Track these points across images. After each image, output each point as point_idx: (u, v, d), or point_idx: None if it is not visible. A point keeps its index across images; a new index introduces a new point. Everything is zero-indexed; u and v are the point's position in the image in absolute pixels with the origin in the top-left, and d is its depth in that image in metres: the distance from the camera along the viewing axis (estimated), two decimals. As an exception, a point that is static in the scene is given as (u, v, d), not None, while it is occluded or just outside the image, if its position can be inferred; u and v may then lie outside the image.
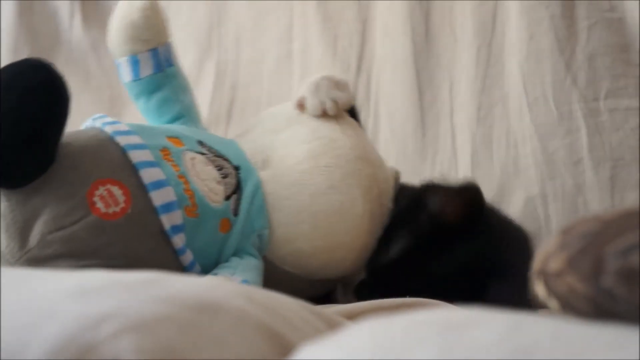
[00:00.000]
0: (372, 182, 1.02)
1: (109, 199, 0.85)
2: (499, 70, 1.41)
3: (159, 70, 1.02)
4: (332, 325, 0.62)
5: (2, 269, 0.70)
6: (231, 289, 0.59)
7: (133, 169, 0.88)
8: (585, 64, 1.33)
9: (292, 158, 1.00)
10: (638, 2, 1.32)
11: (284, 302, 0.61)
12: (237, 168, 0.99)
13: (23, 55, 1.86)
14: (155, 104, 1.04)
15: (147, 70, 1.02)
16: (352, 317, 0.76)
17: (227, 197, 0.95)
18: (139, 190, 0.87)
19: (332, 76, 1.06)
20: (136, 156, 0.89)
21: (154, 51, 1.02)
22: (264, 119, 1.10)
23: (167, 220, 0.87)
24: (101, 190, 0.85)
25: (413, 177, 1.20)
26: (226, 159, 0.99)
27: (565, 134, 1.32)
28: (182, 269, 0.89)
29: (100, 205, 0.84)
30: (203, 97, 1.67)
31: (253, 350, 0.51)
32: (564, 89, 1.33)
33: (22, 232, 0.82)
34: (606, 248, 0.47)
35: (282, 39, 1.61)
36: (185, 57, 1.78)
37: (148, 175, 0.88)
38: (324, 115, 1.04)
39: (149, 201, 0.87)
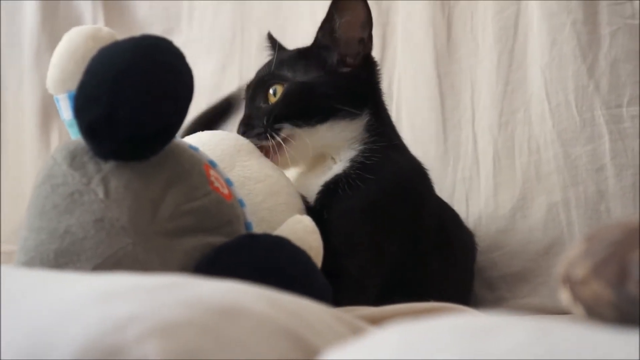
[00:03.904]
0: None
1: (218, 181, 0.84)
2: (521, 75, 1.41)
3: None
4: (355, 330, 0.62)
5: (27, 271, 0.70)
6: (254, 292, 0.59)
7: (210, 164, 0.87)
8: (608, 70, 1.32)
9: (255, 197, 1.01)
10: (662, 8, 1.31)
11: (306, 306, 0.61)
12: None
13: (46, 60, 1.87)
14: None
15: None
16: (375, 321, 0.76)
17: None
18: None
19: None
20: (206, 154, 0.88)
21: None
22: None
23: (247, 214, 0.87)
24: (212, 172, 0.84)
25: (435, 182, 1.21)
26: None
27: (587, 140, 1.32)
28: None
29: (217, 184, 0.83)
30: (226, 104, 1.67)
31: (275, 353, 0.52)
32: (587, 95, 1.32)
33: (154, 202, 0.77)
34: (630, 255, 0.47)
35: (303, 44, 1.61)
36: (209, 64, 1.79)
37: (223, 171, 0.88)
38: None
39: (234, 193, 0.86)
